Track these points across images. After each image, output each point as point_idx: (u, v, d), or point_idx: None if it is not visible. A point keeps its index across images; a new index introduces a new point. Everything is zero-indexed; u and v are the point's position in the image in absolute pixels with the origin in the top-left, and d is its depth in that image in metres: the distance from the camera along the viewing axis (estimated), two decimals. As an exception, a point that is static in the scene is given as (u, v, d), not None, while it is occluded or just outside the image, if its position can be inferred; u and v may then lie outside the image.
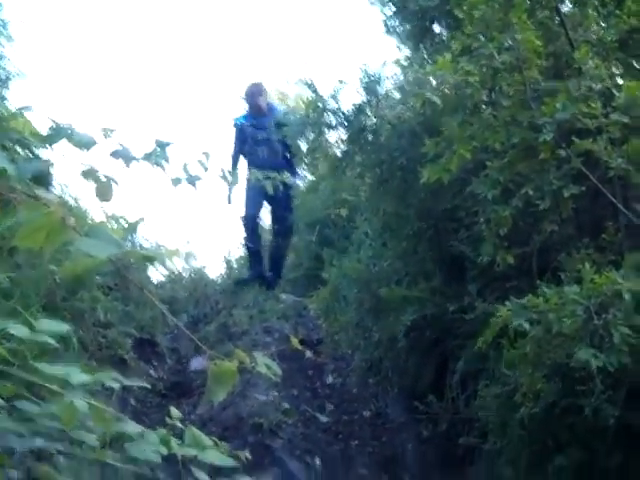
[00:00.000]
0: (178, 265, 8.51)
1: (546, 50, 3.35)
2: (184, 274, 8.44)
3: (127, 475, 2.37)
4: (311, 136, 5.29)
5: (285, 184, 7.22)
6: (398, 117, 4.77)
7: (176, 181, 2.44)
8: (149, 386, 5.01)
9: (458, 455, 4.44)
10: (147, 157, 2.37)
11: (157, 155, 2.42)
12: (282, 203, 7.57)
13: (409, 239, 4.82)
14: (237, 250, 9.10)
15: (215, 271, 8.52)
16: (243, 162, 7.65)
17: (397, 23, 5.28)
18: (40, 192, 1.91)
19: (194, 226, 8.21)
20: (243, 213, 7.69)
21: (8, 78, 5.80)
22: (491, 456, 3.82)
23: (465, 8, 3.35)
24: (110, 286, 5.91)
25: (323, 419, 5.32)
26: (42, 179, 2.87)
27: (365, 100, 4.70)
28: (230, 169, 2.89)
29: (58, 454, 1.84)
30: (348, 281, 5.09)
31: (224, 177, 3.03)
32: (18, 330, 1.70)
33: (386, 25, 5.32)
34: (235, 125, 7.65)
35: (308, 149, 5.60)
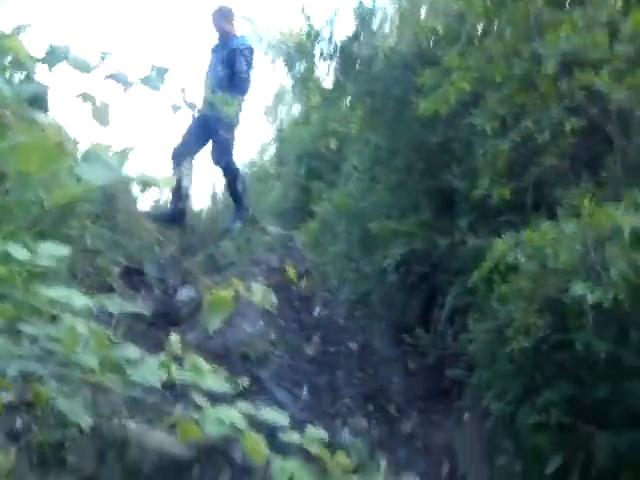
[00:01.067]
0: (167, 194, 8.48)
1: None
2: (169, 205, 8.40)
3: (121, 399, 2.37)
4: (302, 66, 5.22)
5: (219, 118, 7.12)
6: (392, 48, 4.69)
7: (175, 107, 2.39)
8: (144, 312, 5.02)
9: (444, 387, 4.49)
10: (145, 81, 2.32)
11: (154, 80, 2.36)
12: (216, 134, 7.19)
13: (400, 172, 4.79)
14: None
15: (200, 203, 8.45)
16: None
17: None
18: (36, 115, 1.86)
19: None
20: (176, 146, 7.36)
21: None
22: (478, 389, 3.86)
23: None
24: (98, 213, 5.86)
25: (310, 350, 5.35)
26: (39, 102, 2.81)
27: (358, 30, 4.62)
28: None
29: (55, 378, 1.83)
30: (337, 214, 5.07)
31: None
32: (18, 252, 1.67)
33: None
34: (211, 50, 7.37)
35: (299, 78, 5.53)
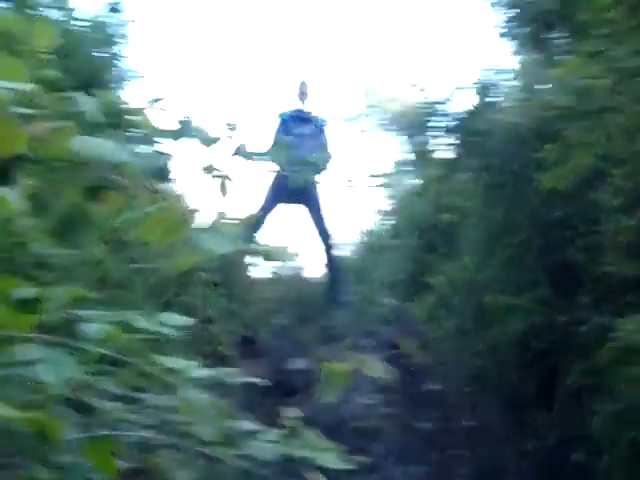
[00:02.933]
0: (283, 264, 8.58)
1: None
2: (283, 274, 8.48)
3: (236, 472, 2.36)
4: (422, 139, 5.24)
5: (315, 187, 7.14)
6: (511, 122, 4.66)
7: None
8: (262, 382, 5.04)
9: (564, 471, 4.30)
10: (265, 155, 2.37)
11: (276, 153, 2.41)
12: (317, 200, 7.24)
13: (517, 247, 4.71)
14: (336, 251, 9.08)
15: (314, 272, 8.48)
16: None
17: (515, 27, 5.16)
18: (160, 186, 1.92)
19: (294, 225, 8.19)
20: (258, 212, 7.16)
21: (124, 79, 5.92)
22: (599, 475, 3.68)
23: (592, 11, 3.24)
24: (215, 282, 5.97)
25: (423, 426, 5.24)
26: (163, 173, 2.91)
27: (479, 104, 4.61)
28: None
29: (171, 447, 1.83)
30: (453, 287, 5.01)
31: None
32: (142, 322, 1.70)
33: (505, 29, 5.22)
34: (280, 117, 7.44)
35: (418, 151, 5.55)
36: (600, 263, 3.43)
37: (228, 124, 2.24)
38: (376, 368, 2.32)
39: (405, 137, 5.32)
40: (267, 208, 7.21)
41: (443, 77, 5.03)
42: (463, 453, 4.97)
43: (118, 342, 1.72)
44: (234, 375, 1.81)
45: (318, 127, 7.25)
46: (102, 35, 5.51)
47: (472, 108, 4.69)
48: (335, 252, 7.30)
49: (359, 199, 10.69)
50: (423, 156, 5.38)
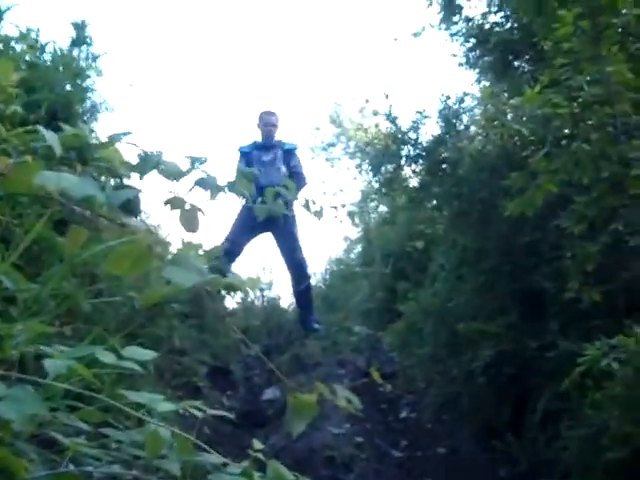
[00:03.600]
0: (253, 294, 8.57)
1: (637, 83, 3.26)
2: (257, 303, 8.49)
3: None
4: (389, 167, 5.28)
5: (290, 211, 7.17)
6: (478, 150, 4.72)
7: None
8: (230, 415, 5.02)
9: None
10: (231, 187, 2.38)
11: (238, 185, 2.42)
12: (286, 230, 7.23)
13: (487, 273, 4.74)
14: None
15: (287, 300, 8.50)
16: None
17: (477, 55, 5.24)
18: (128, 220, 1.92)
19: (267, 253, 8.19)
20: (224, 242, 7.19)
21: (97, 110, 5.92)
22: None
23: (552, 41, 3.30)
24: (186, 314, 5.95)
25: (396, 454, 5.23)
26: (130, 207, 2.90)
27: (444, 132, 4.66)
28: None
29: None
30: (424, 315, 5.03)
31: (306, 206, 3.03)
32: (105, 356, 1.70)
33: (466, 57, 5.29)
34: (240, 150, 7.48)
35: (385, 180, 5.58)
36: (566, 289, 3.46)
37: (194, 158, 2.25)
38: (344, 398, 2.32)
39: (372, 165, 5.34)
40: (236, 239, 7.20)
41: (408, 105, 5.09)
42: (438, 481, 4.96)
43: (83, 377, 1.72)
44: (200, 409, 1.79)
45: (285, 151, 7.26)
46: (71, 68, 5.50)
47: (437, 136, 4.73)
48: (307, 281, 7.30)
49: (326, 227, 10.71)
50: (390, 184, 5.40)
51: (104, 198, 1.85)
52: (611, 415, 2.89)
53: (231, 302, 8.36)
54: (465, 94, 4.76)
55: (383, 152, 4.93)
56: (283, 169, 7.13)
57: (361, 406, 2.29)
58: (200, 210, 2.06)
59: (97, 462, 1.79)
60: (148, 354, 1.78)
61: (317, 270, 9.38)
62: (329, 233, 9.63)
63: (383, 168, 5.42)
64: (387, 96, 5.26)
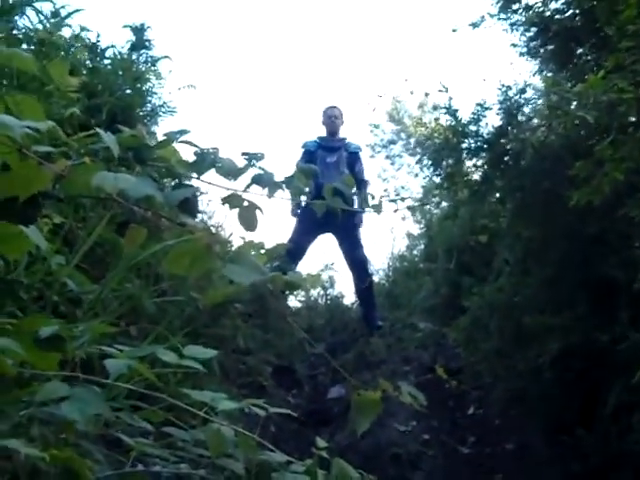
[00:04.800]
0: (316, 293, 8.57)
1: None
2: (320, 301, 8.48)
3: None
4: (450, 161, 5.20)
5: (351, 213, 7.15)
6: (541, 141, 4.62)
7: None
8: (294, 414, 5.02)
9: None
10: (289, 184, 2.35)
11: (298, 181, 2.39)
12: (347, 229, 7.24)
13: (553, 265, 4.64)
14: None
15: (350, 298, 8.46)
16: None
17: (538, 45, 5.13)
18: (186, 219, 1.91)
19: (330, 252, 8.17)
20: (287, 244, 6.98)
21: (157, 114, 5.97)
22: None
23: (616, 25, 3.21)
24: (250, 313, 5.97)
25: (464, 451, 5.17)
26: (188, 206, 2.91)
27: (505, 124, 4.57)
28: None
29: (203, 481, 1.81)
30: (489, 309, 4.95)
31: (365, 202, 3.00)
32: (167, 355, 1.69)
33: (527, 47, 5.18)
34: (304, 146, 7.47)
35: (446, 174, 5.51)
36: (637, 279, 3.36)
37: (252, 154, 2.24)
38: (409, 394, 2.29)
39: (432, 160, 5.26)
40: (299, 240, 7.19)
41: (468, 98, 4.98)
42: (505, 477, 4.88)
43: (146, 377, 1.72)
44: (263, 407, 1.78)
45: (349, 154, 7.24)
46: (130, 72, 5.56)
47: (499, 128, 4.64)
48: (369, 278, 7.27)
49: (389, 224, 10.66)
50: (452, 178, 5.32)
51: (162, 198, 1.84)
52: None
53: (294, 302, 8.38)
54: (526, 84, 4.66)
55: (443, 146, 4.86)
56: (346, 172, 7.10)
57: (426, 402, 2.25)
58: (258, 208, 2.05)
59: (163, 462, 1.79)
60: (209, 353, 1.77)
61: (380, 267, 9.34)
62: (392, 230, 9.52)
63: (444, 162, 5.35)
64: (447, 89, 5.19)
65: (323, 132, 7.47)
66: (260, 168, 2.23)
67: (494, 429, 5.38)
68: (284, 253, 7.02)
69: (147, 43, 6.24)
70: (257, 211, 2.04)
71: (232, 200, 2.05)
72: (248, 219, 2.05)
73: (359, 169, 7.32)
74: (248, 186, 2.18)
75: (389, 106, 14.74)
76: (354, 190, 7.26)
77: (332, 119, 7.36)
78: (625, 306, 3.96)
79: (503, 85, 4.59)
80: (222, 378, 4.94)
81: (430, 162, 4.99)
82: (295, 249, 7.13)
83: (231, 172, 2.13)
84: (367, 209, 2.79)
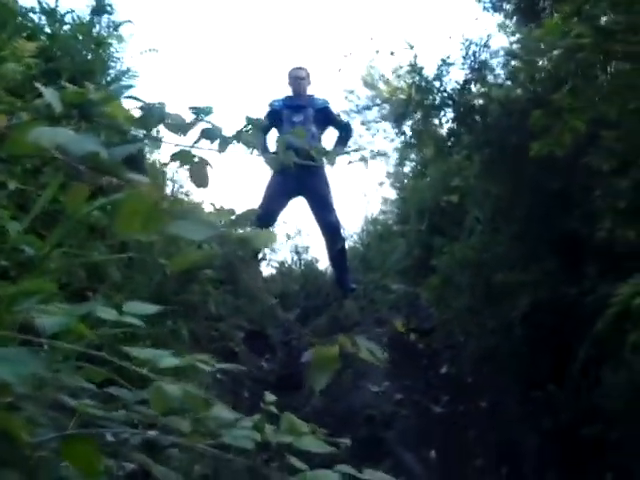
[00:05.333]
0: (291, 259, 8.53)
1: (664, 9, 3.10)
2: (295, 267, 8.45)
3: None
4: (415, 118, 5.16)
5: (320, 174, 7.12)
6: (506, 95, 4.57)
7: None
8: (240, 367, 5.03)
9: (582, 447, 4.21)
10: (238, 137, 2.29)
11: (249, 135, 2.33)
12: (318, 193, 7.18)
13: (520, 221, 4.62)
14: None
15: (325, 263, 8.43)
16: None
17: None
18: (132, 176, 1.84)
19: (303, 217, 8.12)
20: (258, 209, 7.18)
21: (120, 79, 5.86)
22: (617, 447, 3.59)
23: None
24: (221, 280, 5.92)
25: (437, 410, 5.17)
26: (136, 164, 2.83)
27: (470, 79, 4.52)
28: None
29: (148, 443, 1.77)
30: (459, 267, 4.93)
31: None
32: (105, 312, 1.64)
33: (491, 2, 5.12)
34: (270, 105, 7.37)
35: (413, 131, 5.47)
36: (600, 230, 3.33)
37: (200, 108, 2.18)
38: (368, 350, 2.25)
39: (396, 116, 5.22)
40: (270, 206, 7.14)
41: (434, 56, 4.92)
42: (479, 435, 4.89)
43: (92, 336, 1.67)
44: (208, 362, 1.73)
45: (317, 110, 7.14)
46: (91, 37, 5.45)
47: (463, 81, 4.59)
48: (342, 242, 7.22)
49: (360, 186, 10.63)
50: (419, 136, 5.28)
51: (106, 154, 1.78)
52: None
53: (269, 268, 8.34)
54: (489, 37, 4.61)
55: (407, 102, 4.80)
56: (313, 129, 7.03)
57: (385, 357, 2.22)
58: (208, 164, 1.99)
59: (107, 423, 1.73)
60: (150, 309, 1.72)
61: (354, 231, 9.31)
62: (365, 195, 9.47)
63: (410, 120, 5.31)
64: (412, 47, 5.13)
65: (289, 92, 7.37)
66: (209, 122, 2.17)
67: (467, 387, 5.38)
68: (255, 219, 6.97)
69: (108, 7, 6.11)
70: (208, 167, 1.99)
71: (182, 156, 1.99)
72: (199, 175, 1.99)
73: (334, 118, 7.24)
74: (197, 141, 2.12)
75: (363, 71, 14.65)
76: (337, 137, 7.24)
77: (298, 80, 7.24)
78: (591, 259, 3.94)
79: (466, 40, 4.53)
80: (193, 344, 4.91)
81: (394, 119, 4.94)
82: (266, 214, 7.07)
83: (180, 127, 2.07)
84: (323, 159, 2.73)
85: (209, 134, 2.14)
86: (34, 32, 5.14)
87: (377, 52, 5.53)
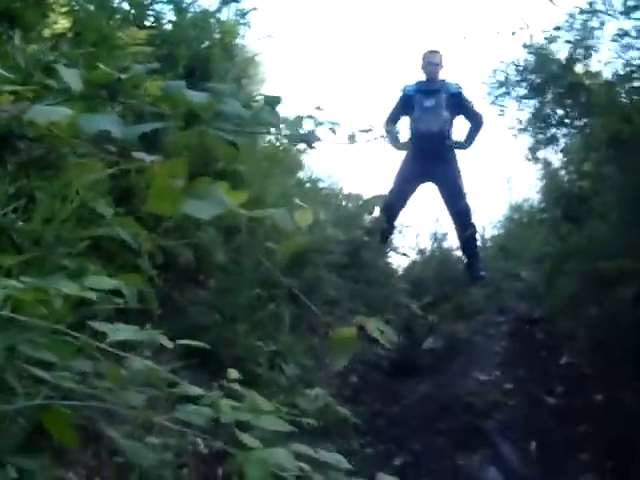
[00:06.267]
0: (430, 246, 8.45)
1: None
2: (435, 254, 8.36)
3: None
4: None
5: (450, 159, 6.94)
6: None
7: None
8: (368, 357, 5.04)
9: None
10: (254, 117, 2.36)
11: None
12: (448, 179, 7.12)
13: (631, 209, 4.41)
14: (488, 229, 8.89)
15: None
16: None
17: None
18: (140, 155, 1.87)
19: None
20: (387, 195, 7.13)
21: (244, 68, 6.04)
22: None
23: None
24: (345, 265, 5.97)
25: (551, 401, 4.99)
26: (155, 143, 2.92)
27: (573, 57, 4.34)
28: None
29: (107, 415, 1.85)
30: (567, 255, 4.75)
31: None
32: (67, 286, 1.72)
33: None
34: (402, 90, 7.26)
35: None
36: None
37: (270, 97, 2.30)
38: (380, 330, 2.26)
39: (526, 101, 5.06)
40: (399, 191, 7.14)
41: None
42: (591, 428, 4.69)
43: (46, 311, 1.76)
44: (151, 336, 1.78)
45: (449, 95, 7.01)
46: (210, 26, 5.62)
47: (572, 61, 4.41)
48: (472, 228, 7.11)
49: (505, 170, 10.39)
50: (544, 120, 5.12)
51: (120, 133, 1.84)
52: None
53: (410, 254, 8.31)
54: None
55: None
56: (445, 115, 6.94)
57: (395, 339, 2.22)
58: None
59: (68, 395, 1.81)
60: (112, 283, 1.79)
61: (497, 218, 9.13)
62: (509, 180, 9.18)
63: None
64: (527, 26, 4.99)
65: (422, 77, 7.29)
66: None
67: (585, 379, 5.16)
68: (383, 204, 6.99)
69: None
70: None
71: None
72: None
73: (466, 105, 7.07)
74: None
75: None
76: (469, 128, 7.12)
77: (432, 66, 7.14)
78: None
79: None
80: (304, 329, 5.01)
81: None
82: (395, 200, 7.08)
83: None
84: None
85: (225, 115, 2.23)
86: (157, 20, 5.36)
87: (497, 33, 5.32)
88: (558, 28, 4.49)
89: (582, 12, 4.33)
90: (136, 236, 2.90)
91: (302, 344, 4.70)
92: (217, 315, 4.16)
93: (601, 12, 4.29)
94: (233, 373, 1.98)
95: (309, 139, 2.51)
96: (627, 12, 4.05)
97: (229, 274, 4.46)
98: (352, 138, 2.46)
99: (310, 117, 2.44)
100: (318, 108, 2.51)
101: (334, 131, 2.46)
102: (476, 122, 7.07)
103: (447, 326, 6.08)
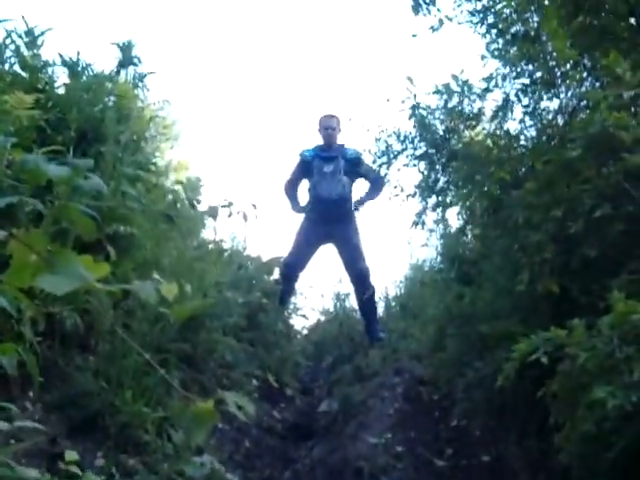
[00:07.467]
0: (333, 306, 8.53)
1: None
2: (339, 314, 8.45)
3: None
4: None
5: (350, 221, 7.10)
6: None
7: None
8: (264, 421, 5.04)
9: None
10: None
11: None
12: (348, 240, 7.23)
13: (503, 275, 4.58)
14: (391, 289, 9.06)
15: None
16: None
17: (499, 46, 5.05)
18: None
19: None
20: (287, 257, 7.26)
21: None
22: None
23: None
24: (241, 327, 5.98)
25: (439, 463, 5.06)
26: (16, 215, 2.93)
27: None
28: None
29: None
30: (451, 318, 4.89)
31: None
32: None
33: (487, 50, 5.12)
34: (301, 155, 7.41)
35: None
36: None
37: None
38: (238, 404, 2.29)
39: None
40: (299, 252, 7.23)
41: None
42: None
43: None
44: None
45: (347, 160, 7.11)
46: (104, 89, 5.66)
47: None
48: (370, 290, 7.23)
49: (404, 233, 10.58)
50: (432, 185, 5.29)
51: None
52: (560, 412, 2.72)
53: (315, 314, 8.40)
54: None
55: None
56: (344, 180, 7.06)
57: (253, 412, 2.25)
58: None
59: None
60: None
61: (397, 278, 9.31)
62: (409, 242, 9.34)
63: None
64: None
65: (319, 140, 7.41)
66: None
67: (474, 441, 5.26)
68: (282, 265, 7.08)
69: (136, 60, 6.35)
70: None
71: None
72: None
73: (365, 169, 7.15)
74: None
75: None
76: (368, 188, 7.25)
77: (328, 131, 7.25)
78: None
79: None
80: (200, 393, 4.97)
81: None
82: (295, 261, 7.17)
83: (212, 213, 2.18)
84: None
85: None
86: (49, 83, 5.39)
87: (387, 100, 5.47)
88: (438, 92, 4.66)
89: (437, 92, 4.51)
90: (17, 303, 2.89)
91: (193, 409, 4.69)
92: (103, 381, 4.13)
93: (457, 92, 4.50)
94: (71, 454, 1.99)
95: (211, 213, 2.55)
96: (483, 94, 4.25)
97: (117, 339, 4.45)
98: (214, 211, 2.50)
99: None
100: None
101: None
102: (377, 183, 7.12)
103: (344, 388, 6.13)
